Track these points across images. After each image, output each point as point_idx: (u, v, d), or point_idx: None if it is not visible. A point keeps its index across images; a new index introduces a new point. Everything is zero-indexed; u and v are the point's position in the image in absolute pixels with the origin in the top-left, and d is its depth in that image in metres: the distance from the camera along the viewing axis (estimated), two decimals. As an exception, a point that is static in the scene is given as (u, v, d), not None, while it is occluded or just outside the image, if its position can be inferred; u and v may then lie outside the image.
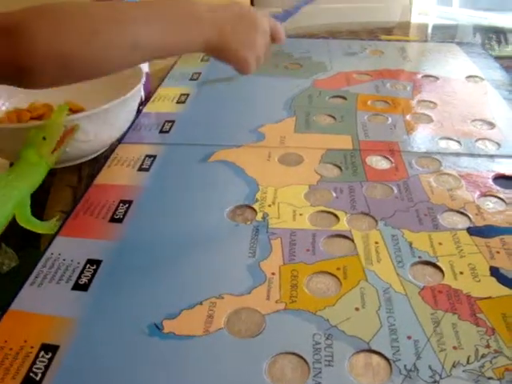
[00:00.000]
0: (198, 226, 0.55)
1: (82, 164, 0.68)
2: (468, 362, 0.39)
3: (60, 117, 0.58)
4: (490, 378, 0.38)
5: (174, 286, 0.47)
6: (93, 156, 0.69)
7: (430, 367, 0.39)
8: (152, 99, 0.84)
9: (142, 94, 0.83)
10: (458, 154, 0.67)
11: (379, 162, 0.65)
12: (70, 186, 0.64)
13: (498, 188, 0.60)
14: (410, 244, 0.51)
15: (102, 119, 0.64)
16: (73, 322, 0.43)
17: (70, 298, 0.46)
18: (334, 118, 0.77)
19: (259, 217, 0.55)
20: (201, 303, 0.45)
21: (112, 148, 0.70)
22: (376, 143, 0.70)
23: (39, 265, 0.50)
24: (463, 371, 0.39)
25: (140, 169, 0.65)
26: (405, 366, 0.39)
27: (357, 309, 0.44)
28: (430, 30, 1.30)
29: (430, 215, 0.55)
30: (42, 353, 0.41)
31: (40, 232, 0.54)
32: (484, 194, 0.59)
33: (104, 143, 0.68)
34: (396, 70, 0.95)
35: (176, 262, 0.50)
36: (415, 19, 1.45)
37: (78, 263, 0.50)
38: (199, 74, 0.93)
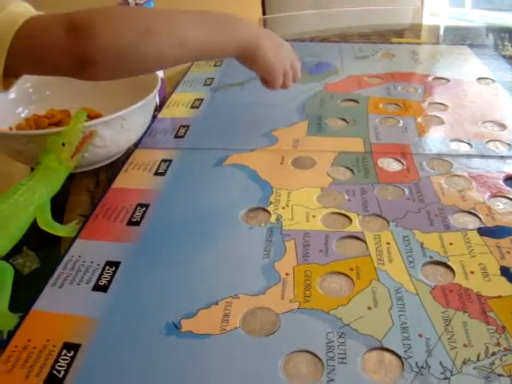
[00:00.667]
0: (214, 229, 0.56)
1: (100, 169, 0.70)
2: (478, 360, 0.40)
3: (79, 123, 0.60)
4: (500, 375, 0.39)
5: (191, 286, 0.48)
6: (110, 161, 0.70)
7: (441, 364, 0.40)
8: (167, 105, 0.86)
9: (157, 99, 0.84)
10: (468, 156, 0.67)
11: (391, 165, 0.66)
12: (87, 190, 0.66)
13: (509, 189, 0.60)
14: (422, 244, 0.52)
15: (119, 125, 0.65)
16: (93, 322, 0.45)
17: (90, 299, 0.47)
18: (345, 121, 0.78)
19: (273, 219, 0.57)
20: (217, 303, 0.46)
21: (128, 153, 0.72)
22: (388, 146, 0.70)
23: (60, 267, 0.51)
24: (473, 368, 0.39)
25: (156, 173, 0.66)
26: (416, 363, 0.40)
27: (369, 308, 0.45)
28: (441, 32, 1.30)
29: (441, 216, 0.56)
30: (65, 351, 0.42)
31: (60, 235, 0.56)
32: (494, 195, 0.59)
33: (121, 148, 0.70)
34: (407, 72, 0.96)
35: (192, 263, 0.51)
36: (427, 21, 1.46)
37: (98, 265, 0.51)
38: (212, 79, 0.95)
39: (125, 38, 0.53)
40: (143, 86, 0.71)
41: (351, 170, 0.65)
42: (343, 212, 0.57)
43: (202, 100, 0.87)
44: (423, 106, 0.82)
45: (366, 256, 0.51)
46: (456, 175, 0.63)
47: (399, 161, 0.67)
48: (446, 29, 1.33)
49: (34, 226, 0.55)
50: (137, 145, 0.73)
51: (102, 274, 0.50)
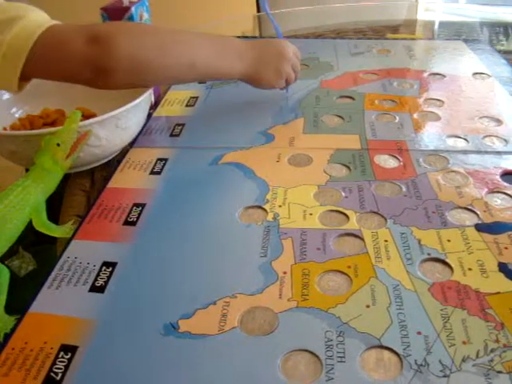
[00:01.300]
0: (210, 228, 0.56)
1: (95, 168, 0.69)
2: (477, 357, 0.40)
3: (74, 123, 0.59)
4: (499, 372, 0.39)
5: (188, 286, 0.48)
6: (105, 160, 0.70)
7: (440, 362, 0.40)
8: (162, 103, 0.86)
9: (152, 98, 0.84)
10: (465, 152, 0.67)
11: (387, 161, 0.66)
12: (83, 190, 0.65)
13: (506, 184, 0.60)
14: (419, 241, 0.52)
15: (114, 124, 0.65)
16: (91, 323, 0.45)
17: (87, 300, 0.47)
18: (341, 118, 0.78)
19: (270, 217, 0.56)
20: (215, 303, 0.46)
21: (124, 152, 0.71)
22: (384, 142, 0.70)
23: (56, 268, 0.51)
24: (473, 365, 0.39)
25: (152, 172, 0.66)
26: (415, 360, 0.40)
27: (367, 306, 0.45)
28: (436, 27, 1.30)
29: (439, 212, 0.56)
30: (62, 353, 0.42)
31: (56, 236, 0.55)
32: (492, 191, 0.59)
33: (116, 147, 0.69)
34: (403, 68, 0.95)
35: (189, 262, 0.51)
36: (421, 16, 1.46)
37: (94, 266, 0.51)
38: (208, 76, 0.94)
39: (141, 51, 0.58)
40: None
41: (348, 167, 0.65)
42: (340, 209, 0.57)
43: (197, 98, 0.86)
44: (419, 101, 0.82)
45: (363, 254, 0.51)
46: (453, 171, 0.63)
47: (396, 157, 0.66)
48: (441, 24, 1.33)
49: (29, 227, 0.55)
50: (132, 144, 0.73)
51: (98, 274, 0.50)
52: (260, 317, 0.44)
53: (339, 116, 0.78)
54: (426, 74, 0.92)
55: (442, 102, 0.82)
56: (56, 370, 0.40)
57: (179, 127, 0.77)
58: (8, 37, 0.54)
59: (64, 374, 0.40)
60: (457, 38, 1.12)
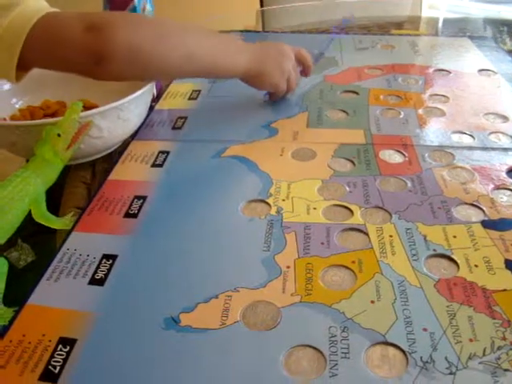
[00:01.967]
0: (213, 221, 0.55)
1: (96, 160, 0.68)
2: (484, 354, 0.39)
3: (75, 113, 0.58)
4: (506, 370, 0.38)
5: (190, 279, 0.47)
6: (106, 152, 0.69)
7: (446, 359, 0.39)
8: (164, 96, 0.85)
9: (154, 90, 0.83)
10: (471, 148, 0.66)
11: (392, 156, 0.65)
12: (84, 182, 0.65)
13: (512, 181, 0.60)
14: (425, 237, 0.51)
15: (116, 115, 0.64)
16: (90, 316, 0.44)
17: (86, 293, 0.46)
18: (346, 112, 0.77)
19: (273, 211, 0.56)
20: (217, 297, 0.45)
21: (125, 144, 0.70)
22: (389, 137, 0.69)
23: (55, 260, 0.50)
24: (479, 363, 0.39)
25: (153, 165, 0.65)
26: (421, 357, 0.39)
27: (372, 301, 0.44)
28: (440, 24, 1.29)
29: (444, 208, 0.55)
30: (60, 346, 0.41)
31: (56, 227, 0.55)
32: (498, 187, 0.59)
33: (117, 139, 0.68)
34: (407, 64, 0.95)
35: (191, 256, 0.50)
36: (425, 13, 1.45)
37: (94, 258, 0.50)
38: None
39: (140, 40, 0.57)
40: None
41: (352, 162, 0.64)
42: (344, 204, 0.56)
43: (199, 91, 0.86)
44: (424, 97, 0.81)
45: (368, 249, 0.50)
46: (458, 167, 0.62)
47: (401, 153, 0.66)
48: (446, 21, 1.32)
49: (28, 218, 0.54)
50: (134, 136, 0.72)
51: (98, 267, 0.49)
52: (263, 311, 0.44)
53: (343, 111, 0.77)
54: (431, 70, 0.92)
55: (448, 97, 0.81)
56: (54, 363, 0.40)
57: (181, 120, 0.76)
58: (5, 22, 0.53)
59: (62, 367, 0.39)
60: (462, 35, 1.11)
